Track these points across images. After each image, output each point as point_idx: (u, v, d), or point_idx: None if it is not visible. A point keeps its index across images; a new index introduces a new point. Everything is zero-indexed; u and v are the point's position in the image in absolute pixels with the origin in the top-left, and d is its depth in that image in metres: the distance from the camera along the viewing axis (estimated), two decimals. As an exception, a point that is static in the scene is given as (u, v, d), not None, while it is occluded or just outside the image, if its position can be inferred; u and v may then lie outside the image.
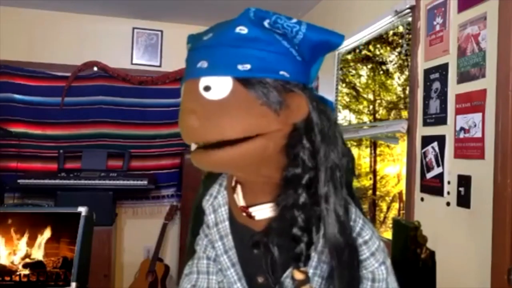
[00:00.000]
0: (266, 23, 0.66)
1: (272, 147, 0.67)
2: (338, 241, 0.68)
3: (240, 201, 0.77)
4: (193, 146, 0.71)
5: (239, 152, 0.65)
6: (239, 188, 0.78)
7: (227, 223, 0.80)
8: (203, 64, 0.65)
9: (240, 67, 0.64)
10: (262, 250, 0.71)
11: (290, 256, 0.69)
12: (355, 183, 0.88)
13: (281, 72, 0.66)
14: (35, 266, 1.58)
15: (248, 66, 0.64)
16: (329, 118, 0.70)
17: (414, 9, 1.95)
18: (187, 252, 0.91)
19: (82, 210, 1.63)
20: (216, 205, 0.82)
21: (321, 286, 0.73)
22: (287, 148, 0.69)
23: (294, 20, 0.67)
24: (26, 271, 1.57)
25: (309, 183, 0.69)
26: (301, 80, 0.69)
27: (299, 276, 0.68)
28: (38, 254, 1.60)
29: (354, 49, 2.96)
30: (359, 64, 4.82)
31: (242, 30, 0.65)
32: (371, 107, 5.14)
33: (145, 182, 3.05)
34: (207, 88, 0.64)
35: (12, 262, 1.58)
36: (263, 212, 0.74)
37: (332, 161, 0.69)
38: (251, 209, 0.75)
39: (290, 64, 0.67)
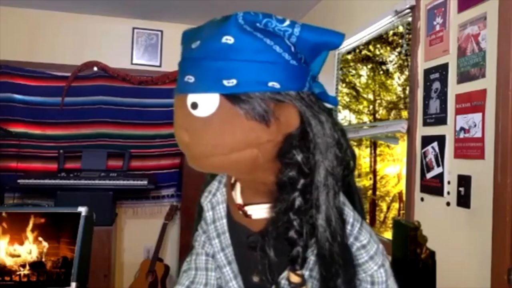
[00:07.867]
0: (257, 26, 0.63)
1: (262, 157, 0.67)
2: (329, 249, 0.67)
3: (238, 198, 0.77)
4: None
5: (229, 160, 0.66)
6: (238, 185, 0.78)
7: (224, 220, 0.80)
8: (190, 79, 0.63)
9: (225, 82, 0.62)
10: (259, 252, 0.70)
11: (286, 259, 0.68)
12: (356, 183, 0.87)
13: (270, 84, 0.64)
14: (35, 266, 1.58)
15: (234, 81, 0.62)
16: (324, 122, 0.68)
17: (414, 9, 1.95)
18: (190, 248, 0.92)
19: (82, 210, 1.63)
20: (214, 202, 0.82)
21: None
22: (280, 155, 0.68)
23: (287, 23, 0.64)
24: (26, 271, 1.57)
25: (304, 188, 0.68)
26: (295, 87, 0.66)
27: (295, 279, 0.68)
28: (38, 254, 1.60)
29: (354, 49, 2.95)
30: (359, 64, 4.81)
31: (229, 40, 0.62)
32: (371, 107, 5.14)
33: (145, 182, 3.05)
34: (194, 106, 0.64)
35: (12, 262, 1.58)
36: (260, 212, 0.74)
37: (325, 169, 0.67)
38: (247, 208, 0.75)
39: (281, 72, 0.64)
